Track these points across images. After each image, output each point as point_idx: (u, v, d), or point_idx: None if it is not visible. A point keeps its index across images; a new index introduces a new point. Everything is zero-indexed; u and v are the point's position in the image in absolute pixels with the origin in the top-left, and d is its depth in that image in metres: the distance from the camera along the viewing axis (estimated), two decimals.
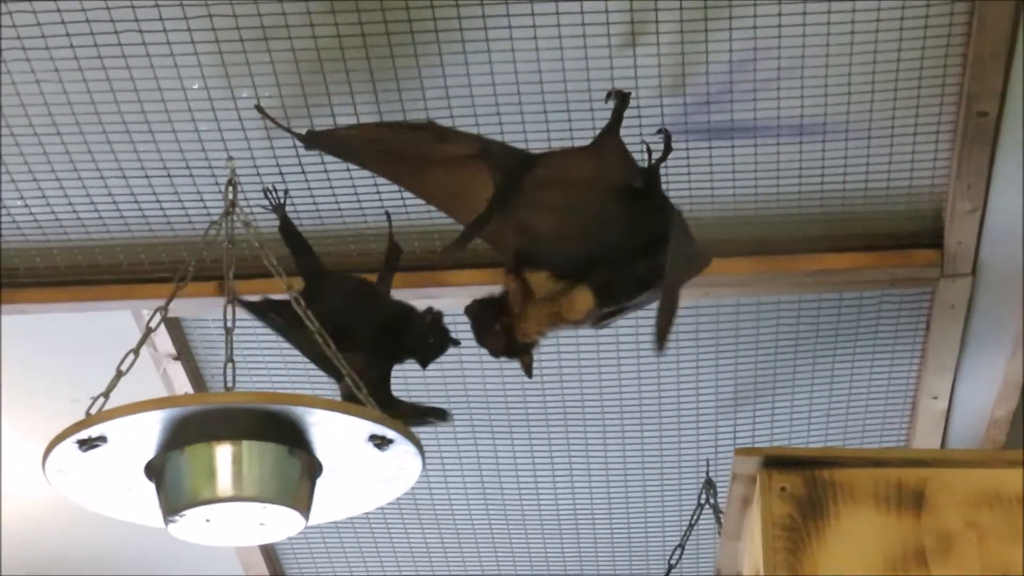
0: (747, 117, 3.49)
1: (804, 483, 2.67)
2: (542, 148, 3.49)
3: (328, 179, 3.64)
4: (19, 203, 3.70)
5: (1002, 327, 3.94)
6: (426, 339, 3.49)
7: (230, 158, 3.48)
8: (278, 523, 3.16)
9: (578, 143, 3.43)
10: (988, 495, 2.66)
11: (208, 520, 3.12)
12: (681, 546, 4.38)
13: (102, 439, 3.04)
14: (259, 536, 3.22)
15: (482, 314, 3.28)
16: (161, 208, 3.73)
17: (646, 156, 3.33)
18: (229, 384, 3.20)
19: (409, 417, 3.47)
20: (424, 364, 3.50)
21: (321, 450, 3.15)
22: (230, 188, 3.39)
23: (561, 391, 4.34)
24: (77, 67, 3.34)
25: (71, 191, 3.67)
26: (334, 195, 3.69)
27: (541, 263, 3.20)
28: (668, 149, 3.32)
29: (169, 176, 3.64)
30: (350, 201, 3.70)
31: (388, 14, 3.24)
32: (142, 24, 3.24)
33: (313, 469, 3.17)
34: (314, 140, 3.42)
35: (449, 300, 3.70)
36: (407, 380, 4.23)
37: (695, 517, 4.38)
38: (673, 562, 4.38)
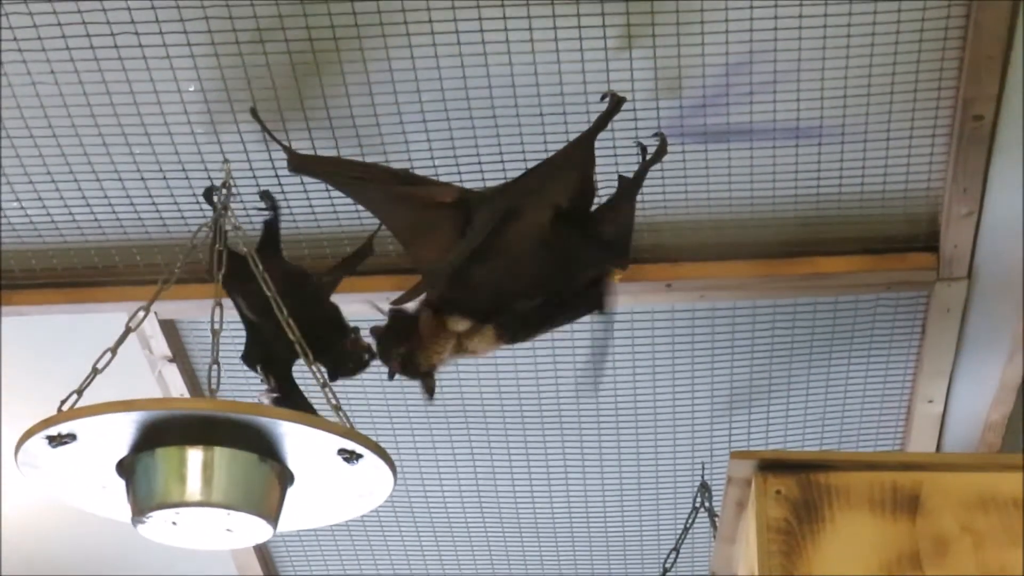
0: (743, 120, 3.49)
1: (799, 486, 2.67)
2: (537, 151, 3.49)
3: (303, 184, 3.65)
4: (15, 205, 3.70)
5: (998, 330, 3.94)
6: (344, 359, 3.50)
7: (226, 160, 3.49)
8: (245, 530, 3.17)
9: None
10: (984, 499, 2.66)
11: (174, 523, 3.13)
12: (676, 549, 4.38)
13: (71, 436, 3.05)
14: (226, 541, 3.23)
15: (384, 340, 3.37)
16: (157, 210, 3.73)
17: (639, 157, 3.34)
18: (214, 387, 3.21)
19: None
20: (332, 378, 3.49)
21: (292, 460, 3.16)
22: (223, 190, 3.41)
23: (557, 393, 4.34)
24: (73, 69, 3.34)
25: (67, 193, 3.67)
26: (308, 199, 3.70)
27: (459, 307, 3.29)
28: (662, 152, 3.33)
29: (165, 178, 3.64)
30: (324, 205, 3.72)
31: (384, 16, 3.24)
32: (138, 27, 3.24)
33: (284, 478, 3.17)
34: (298, 165, 3.45)
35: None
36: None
37: (690, 520, 4.38)
38: (668, 565, 4.38)
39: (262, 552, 4.92)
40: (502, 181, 3.50)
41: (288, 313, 3.30)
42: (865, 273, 3.83)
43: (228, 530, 3.16)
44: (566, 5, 3.21)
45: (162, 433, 3.07)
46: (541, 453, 4.56)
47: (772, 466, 2.69)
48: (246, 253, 3.35)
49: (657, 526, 4.84)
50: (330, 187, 3.60)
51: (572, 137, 3.46)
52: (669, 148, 3.38)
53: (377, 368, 3.53)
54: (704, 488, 4.40)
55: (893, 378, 4.30)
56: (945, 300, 3.88)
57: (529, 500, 4.75)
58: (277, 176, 3.62)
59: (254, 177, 3.61)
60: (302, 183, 3.65)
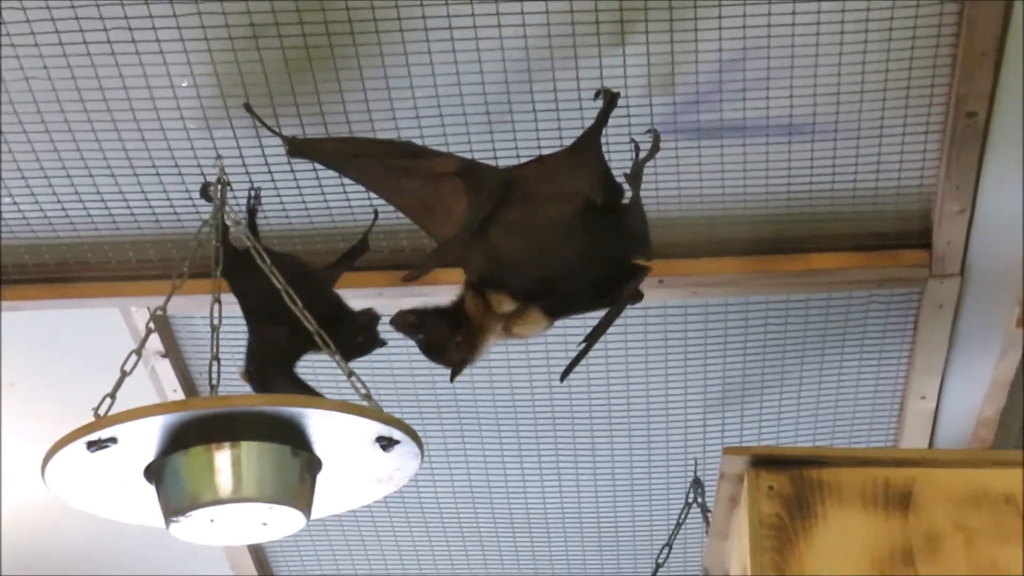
0: (736, 117, 3.49)
1: (792, 482, 2.67)
2: (530, 147, 3.49)
3: (295, 180, 3.64)
4: (8, 201, 3.69)
5: (990, 327, 3.94)
6: (355, 337, 3.50)
7: (219, 156, 3.48)
8: (280, 522, 3.18)
9: (566, 143, 3.43)
10: (976, 495, 2.67)
11: (212, 520, 3.13)
12: (669, 545, 4.38)
13: (112, 440, 3.04)
14: (260, 535, 3.24)
15: (434, 327, 3.32)
16: (150, 206, 3.72)
17: (633, 154, 3.34)
18: (215, 382, 3.20)
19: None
20: (346, 360, 3.49)
21: (323, 449, 3.17)
22: (219, 187, 3.40)
23: (549, 390, 4.34)
24: (66, 64, 3.33)
25: (60, 189, 3.67)
26: (301, 195, 3.70)
27: (502, 285, 3.26)
28: (655, 149, 3.33)
29: (158, 174, 3.63)
30: (317, 201, 3.72)
31: (378, 12, 3.24)
32: (131, 22, 3.24)
33: (314, 467, 3.18)
34: (298, 149, 3.43)
35: (442, 299, 3.69)
36: (395, 378, 4.24)
37: (683, 516, 4.39)
38: (661, 561, 4.38)
39: (256, 551, 4.92)
40: None
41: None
42: (858, 270, 3.83)
43: (264, 524, 3.17)
44: (559, 2, 3.21)
45: (193, 432, 3.07)
46: (534, 449, 4.57)
47: (765, 462, 2.69)
48: (251, 247, 3.35)
49: (650, 522, 4.84)
50: (326, 172, 3.57)
51: (564, 134, 3.46)
52: (662, 144, 3.37)
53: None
54: (697, 484, 4.41)
55: (886, 374, 4.30)
56: (938, 297, 3.88)
57: (522, 496, 4.75)
58: (270, 172, 3.62)
59: (247, 173, 3.61)
60: (295, 179, 3.64)
